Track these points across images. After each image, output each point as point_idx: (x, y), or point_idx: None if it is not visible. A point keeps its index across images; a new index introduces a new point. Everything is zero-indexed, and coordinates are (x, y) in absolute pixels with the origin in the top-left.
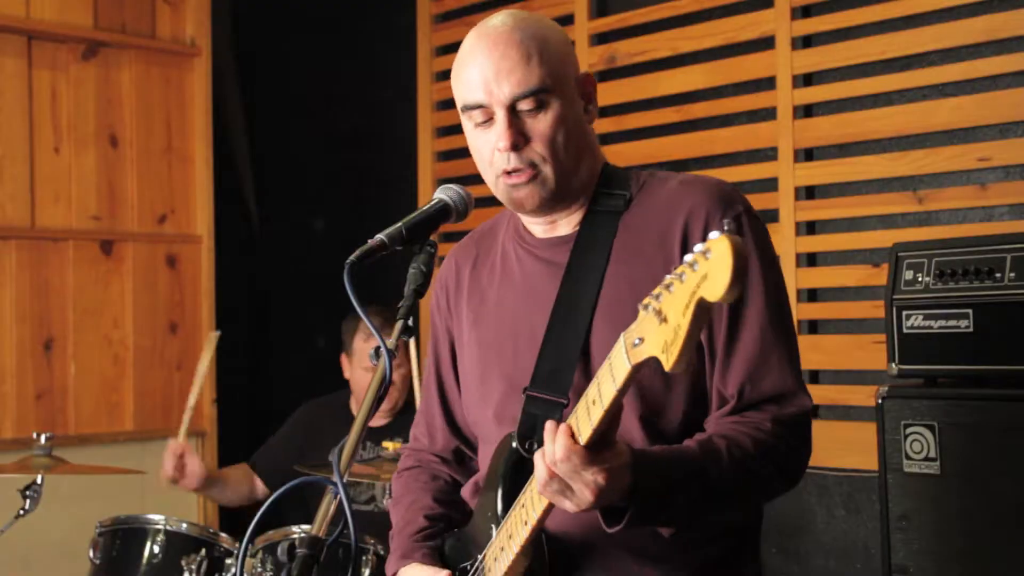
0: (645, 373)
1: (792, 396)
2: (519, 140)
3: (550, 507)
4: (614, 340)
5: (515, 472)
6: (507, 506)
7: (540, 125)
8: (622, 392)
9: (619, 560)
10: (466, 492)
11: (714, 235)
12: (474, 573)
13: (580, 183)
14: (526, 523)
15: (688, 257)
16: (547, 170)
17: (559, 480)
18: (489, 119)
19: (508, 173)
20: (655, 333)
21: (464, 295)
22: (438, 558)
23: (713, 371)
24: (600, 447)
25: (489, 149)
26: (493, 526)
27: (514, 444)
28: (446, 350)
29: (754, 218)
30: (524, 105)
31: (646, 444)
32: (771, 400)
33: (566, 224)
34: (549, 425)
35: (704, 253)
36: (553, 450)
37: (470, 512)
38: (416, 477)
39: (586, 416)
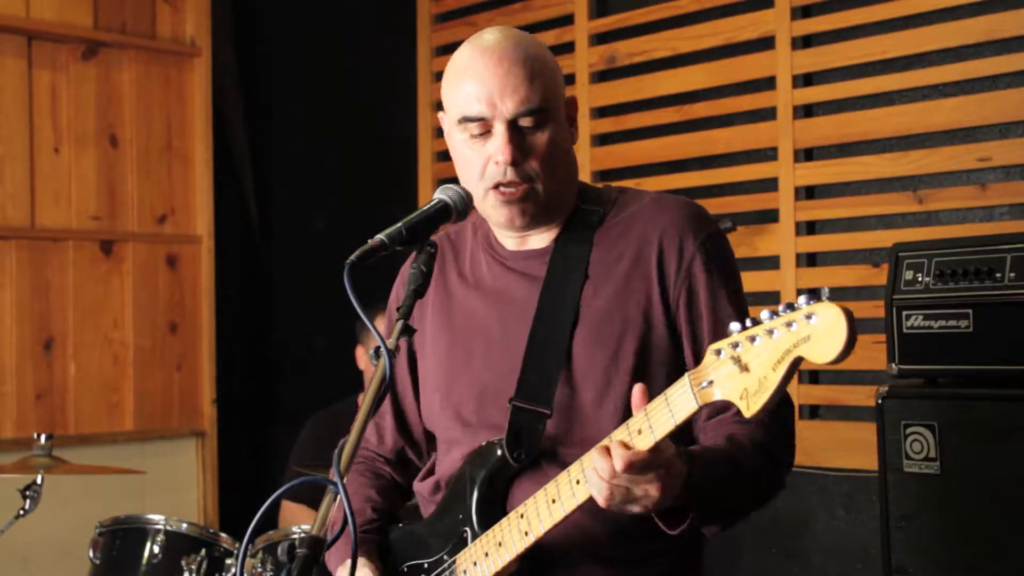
0: (625, 379)
1: None
2: (518, 156)
3: (560, 522)
4: (595, 352)
5: (495, 480)
6: (484, 512)
7: (538, 143)
8: (679, 426)
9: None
10: (424, 488)
11: (824, 295)
12: (441, 574)
13: (563, 202)
14: (526, 533)
15: (782, 315)
16: (540, 187)
17: (622, 490)
18: (486, 132)
19: (500, 187)
20: (733, 380)
21: (428, 297)
22: (380, 551)
23: None
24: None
25: (482, 161)
26: (466, 529)
27: (499, 452)
28: (403, 350)
29: (722, 239)
30: (525, 122)
31: None
32: None
33: (538, 239)
34: (598, 451)
35: (808, 316)
36: (610, 465)
37: (414, 508)
38: (360, 471)
39: (638, 436)
